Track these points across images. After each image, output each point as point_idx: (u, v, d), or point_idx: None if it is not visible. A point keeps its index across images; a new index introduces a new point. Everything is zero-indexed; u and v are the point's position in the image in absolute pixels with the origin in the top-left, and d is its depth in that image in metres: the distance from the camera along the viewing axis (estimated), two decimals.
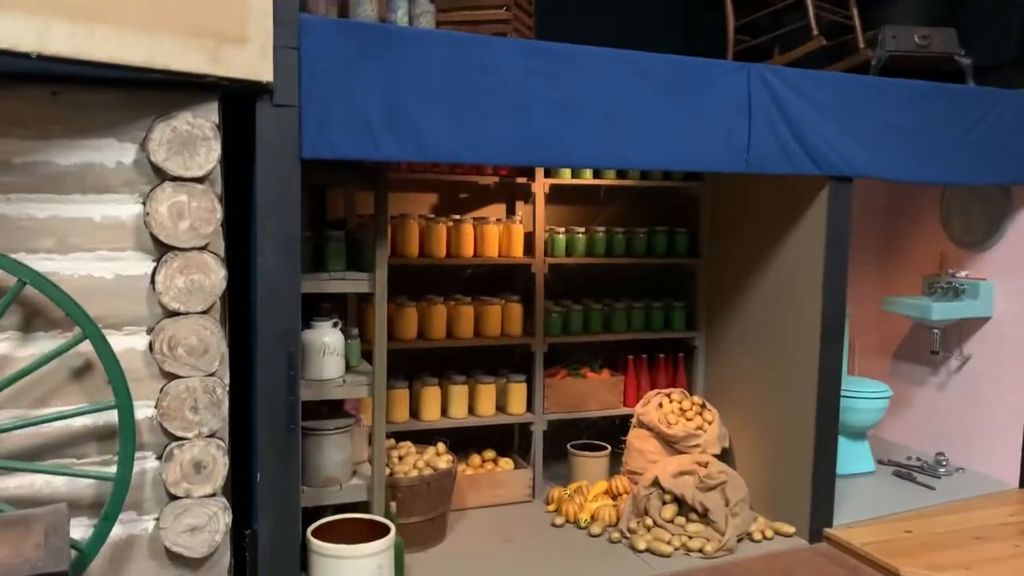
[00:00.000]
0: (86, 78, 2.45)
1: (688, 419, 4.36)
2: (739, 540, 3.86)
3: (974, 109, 4.01)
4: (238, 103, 2.78)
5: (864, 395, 4.63)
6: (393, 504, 3.44)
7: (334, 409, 3.54)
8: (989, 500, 4.36)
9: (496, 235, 4.39)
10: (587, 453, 4.54)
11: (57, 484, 2.55)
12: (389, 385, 4.03)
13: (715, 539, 3.77)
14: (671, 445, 4.28)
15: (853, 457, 4.68)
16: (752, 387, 4.35)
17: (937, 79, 4.03)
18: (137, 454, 2.57)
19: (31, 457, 2.52)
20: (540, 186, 4.43)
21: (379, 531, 3.14)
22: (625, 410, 4.66)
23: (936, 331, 4.79)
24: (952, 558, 3.60)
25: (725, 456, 4.33)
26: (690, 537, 3.80)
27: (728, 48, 4.40)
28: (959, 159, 4.00)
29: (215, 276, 2.61)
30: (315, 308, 3.50)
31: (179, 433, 2.61)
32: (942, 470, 4.71)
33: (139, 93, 2.53)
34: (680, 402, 4.45)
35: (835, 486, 3.97)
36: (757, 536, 3.91)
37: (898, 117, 3.83)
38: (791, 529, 3.96)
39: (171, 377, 2.60)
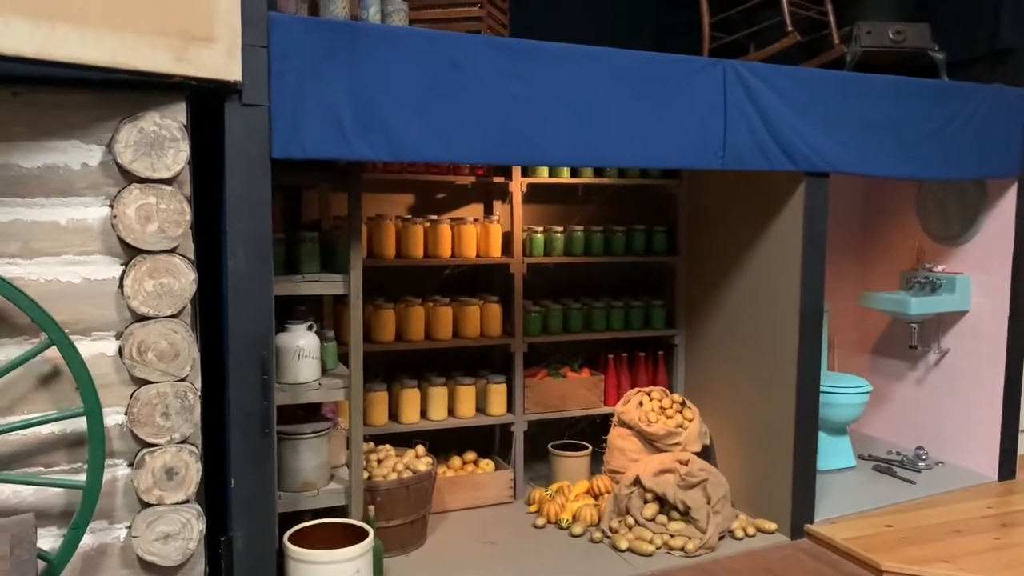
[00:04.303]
0: (49, 78, 2.39)
1: (668, 417, 4.35)
2: (721, 538, 3.85)
3: (948, 104, 4.02)
4: (207, 103, 2.74)
5: (843, 391, 4.63)
6: (371, 508, 3.41)
7: (311, 413, 3.49)
8: (968, 493, 4.37)
9: (474, 235, 4.36)
10: (568, 453, 4.52)
11: (25, 493, 2.50)
12: (367, 388, 4.00)
13: (697, 537, 3.76)
14: (652, 443, 4.27)
15: (833, 453, 4.70)
16: (732, 384, 4.35)
17: (911, 74, 4.06)
18: (107, 461, 2.53)
19: None
20: (517, 185, 4.41)
21: (357, 535, 3.11)
22: (606, 409, 4.65)
23: (914, 326, 4.81)
24: (933, 552, 3.61)
25: (706, 454, 4.32)
26: (672, 535, 3.79)
27: (703, 45, 4.39)
28: (934, 154, 4.01)
29: (185, 279, 2.56)
30: (290, 310, 3.46)
31: (150, 440, 2.56)
32: (922, 464, 4.72)
33: (104, 93, 2.48)
34: (660, 400, 4.44)
35: (816, 482, 3.97)
36: (739, 533, 3.90)
37: (873, 113, 3.84)
38: (772, 526, 3.96)
39: (141, 383, 2.55)
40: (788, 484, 3.90)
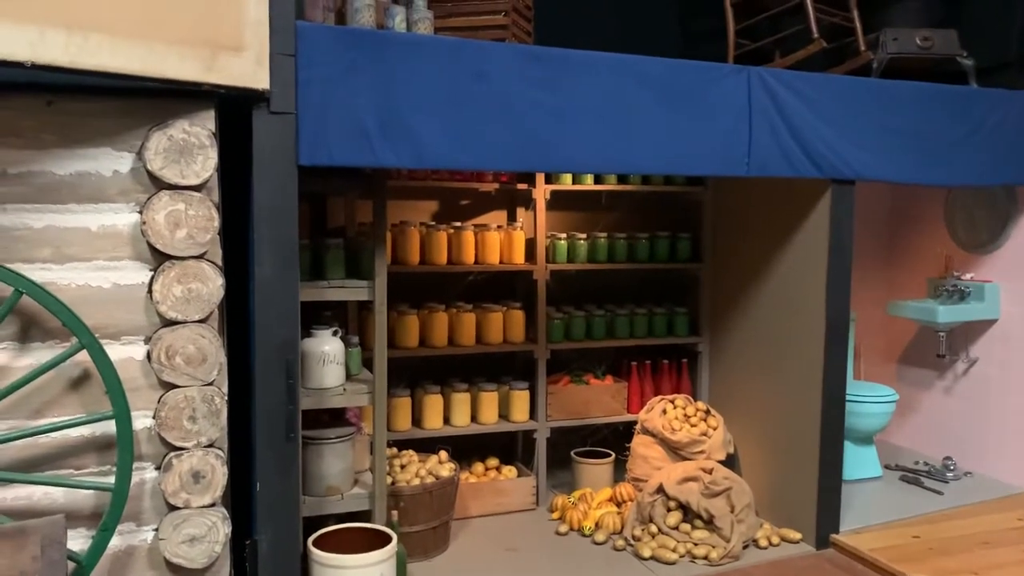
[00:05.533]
0: (81, 87, 2.44)
1: (692, 425, 4.33)
2: (745, 547, 3.82)
3: (977, 110, 3.98)
4: (235, 110, 2.77)
5: (870, 400, 4.59)
6: (395, 513, 3.42)
7: (335, 418, 3.51)
8: (998, 504, 4.31)
9: (497, 242, 4.37)
10: (591, 460, 4.51)
11: (56, 495, 2.54)
12: (391, 393, 4.02)
13: (720, 546, 3.74)
14: (675, 451, 4.25)
15: (860, 462, 4.65)
16: (757, 392, 4.32)
17: (939, 81, 4.02)
18: (135, 464, 2.55)
19: (29, 468, 2.51)
20: (541, 192, 4.42)
21: (381, 540, 3.12)
22: (629, 417, 4.64)
23: (942, 334, 4.76)
24: (960, 563, 3.57)
25: (730, 462, 4.29)
26: (695, 544, 3.77)
27: (728, 52, 4.38)
28: (962, 160, 3.97)
29: (213, 285, 2.59)
30: (316, 316, 3.49)
31: (177, 443, 2.59)
32: (950, 474, 4.67)
33: (135, 101, 2.52)
34: (684, 408, 4.42)
35: (842, 491, 3.93)
36: (763, 543, 3.87)
37: (900, 119, 3.81)
38: (797, 535, 3.93)
39: (169, 387, 2.58)
40: (813, 493, 3.87)
